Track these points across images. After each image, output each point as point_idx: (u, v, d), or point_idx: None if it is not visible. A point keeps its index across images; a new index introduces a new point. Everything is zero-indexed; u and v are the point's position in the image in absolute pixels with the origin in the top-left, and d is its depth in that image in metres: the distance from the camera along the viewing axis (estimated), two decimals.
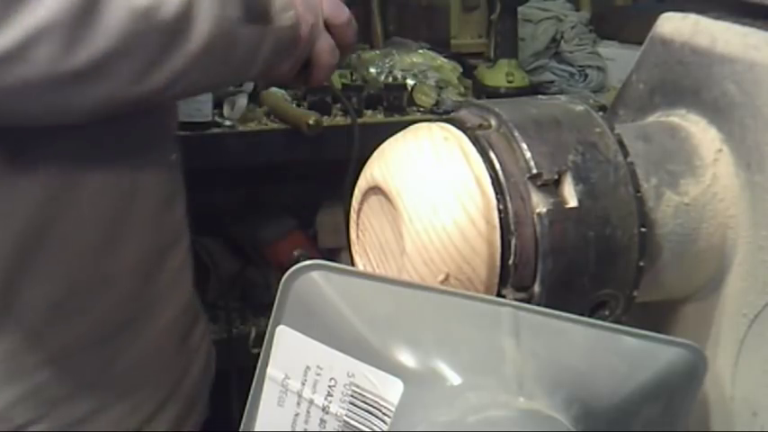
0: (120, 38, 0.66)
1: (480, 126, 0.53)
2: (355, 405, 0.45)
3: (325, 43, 0.86)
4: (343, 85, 1.55)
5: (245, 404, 0.49)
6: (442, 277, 0.50)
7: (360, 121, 1.48)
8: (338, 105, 1.53)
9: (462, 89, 1.67)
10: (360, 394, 0.44)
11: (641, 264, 0.52)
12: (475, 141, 0.52)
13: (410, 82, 1.61)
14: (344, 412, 0.45)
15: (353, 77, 1.60)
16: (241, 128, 1.47)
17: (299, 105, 1.53)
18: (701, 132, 0.57)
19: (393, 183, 0.52)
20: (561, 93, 1.66)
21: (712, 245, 0.56)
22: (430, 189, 0.50)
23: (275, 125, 1.49)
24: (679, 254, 0.56)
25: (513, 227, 0.50)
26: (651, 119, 0.62)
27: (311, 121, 1.41)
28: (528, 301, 0.50)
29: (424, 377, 0.43)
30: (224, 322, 1.60)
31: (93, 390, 0.81)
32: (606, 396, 0.46)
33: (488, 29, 1.84)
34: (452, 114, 0.56)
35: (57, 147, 0.74)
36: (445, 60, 1.70)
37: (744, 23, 0.55)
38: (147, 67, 0.69)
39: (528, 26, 1.80)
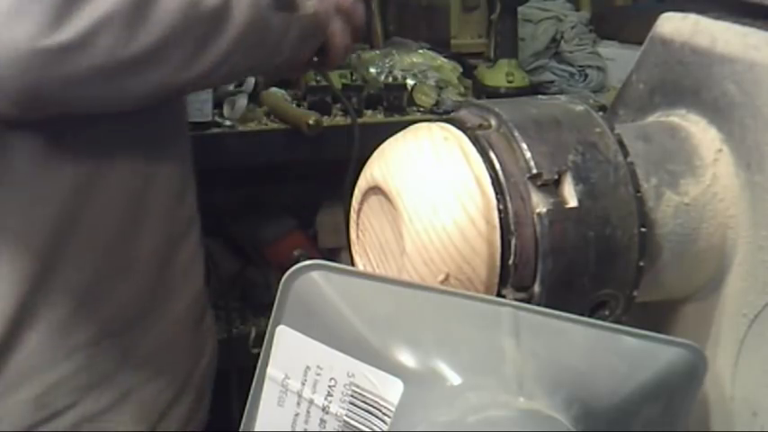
0: (172, 26, 0.71)
1: (480, 126, 0.53)
2: (355, 405, 0.45)
3: (337, 26, 0.91)
4: (344, 85, 1.54)
5: (245, 404, 0.49)
6: (441, 277, 0.50)
7: (360, 121, 1.48)
8: (338, 105, 1.53)
9: (462, 89, 1.67)
10: (360, 394, 0.44)
11: (641, 264, 0.52)
12: (475, 141, 0.52)
13: (410, 82, 1.60)
14: (344, 412, 0.45)
15: (353, 77, 1.60)
16: (241, 128, 1.47)
17: (299, 105, 1.52)
18: (701, 132, 0.57)
19: (393, 183, 0.52)
20: (561, 93, 1.65)
21: (712, 245, 0.56)
22: (430, 189, 0.50)
23: (275, 125, 1.49)
24: (679, 254, 0.56)
25: (513, 227, 0.50)
26: (651, 119, 0.62)
27: (311, 121, 1.41)
28: (528, 301, 0.50)
29: (424, 377, 0.43)
30: (224, 322, 1.60)
31: (117, 377, 0.85)
32: (606, 396, 0.46)
33: (488, 29, 1.84)
34: (452, 114, 0.56)
35: (86, 136, 0.79)
36: (445, 60, 1.70)
37: (744, 23, 0.55)
38: (194, 53, 0.75)
39: (528, 26, 1.80)
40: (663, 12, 0.62)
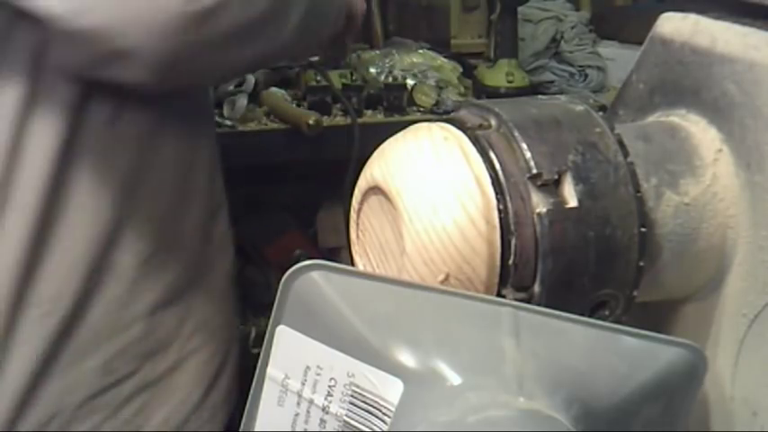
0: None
1: (480, 126, 0.53)
2: (355, 405, 0.45)
3: None
4: (344, 85, 1.54)
5: (245, 404, 0.49)
6: (441, 277, 0.50)
7: (360, 121, 1.48)
8: (338, 105, 1.52)
9: (462, 89, 1.67)
10: (360, 394, 0.44)
11: (641, 264, 0.52)
12: (475, 141, 0.52)
13: (410, 82, 1.60)
14: (344, 412, 0.45)
15: (353, 77, 1.60)
16: (241, 128, 1.47)
17: (299, 105, 1.52)
18: (701, 132, 0.57)
19: (393, 183, 0.52)
20: (561, 93, 1.65)
21: (712, 245, 0.56)
22: (430, 189, 0.50)
23: (275, 125, 1.49)
24: (679, 254, 0.56)
25: (513, 227, 0.50)
26: (651, 119, 0.62)
27: (311, 121, 1.41)
28: (528, 301, 0.50)
29: (424, 377, 0.43)
30: None
31: (172, 346, 0.90)
32: (606, 396, 0.46)
33: (488, 29, 1.84)
34: (452, 114, 0.56)
35: (142, 114, 0.83)
36: (445, 60, 1.70)
37: (744, 23, 0.55)
38: (283, 25, 0.78)
39: (528, 26, 1.80)
40: (663, 12, 0.62)
